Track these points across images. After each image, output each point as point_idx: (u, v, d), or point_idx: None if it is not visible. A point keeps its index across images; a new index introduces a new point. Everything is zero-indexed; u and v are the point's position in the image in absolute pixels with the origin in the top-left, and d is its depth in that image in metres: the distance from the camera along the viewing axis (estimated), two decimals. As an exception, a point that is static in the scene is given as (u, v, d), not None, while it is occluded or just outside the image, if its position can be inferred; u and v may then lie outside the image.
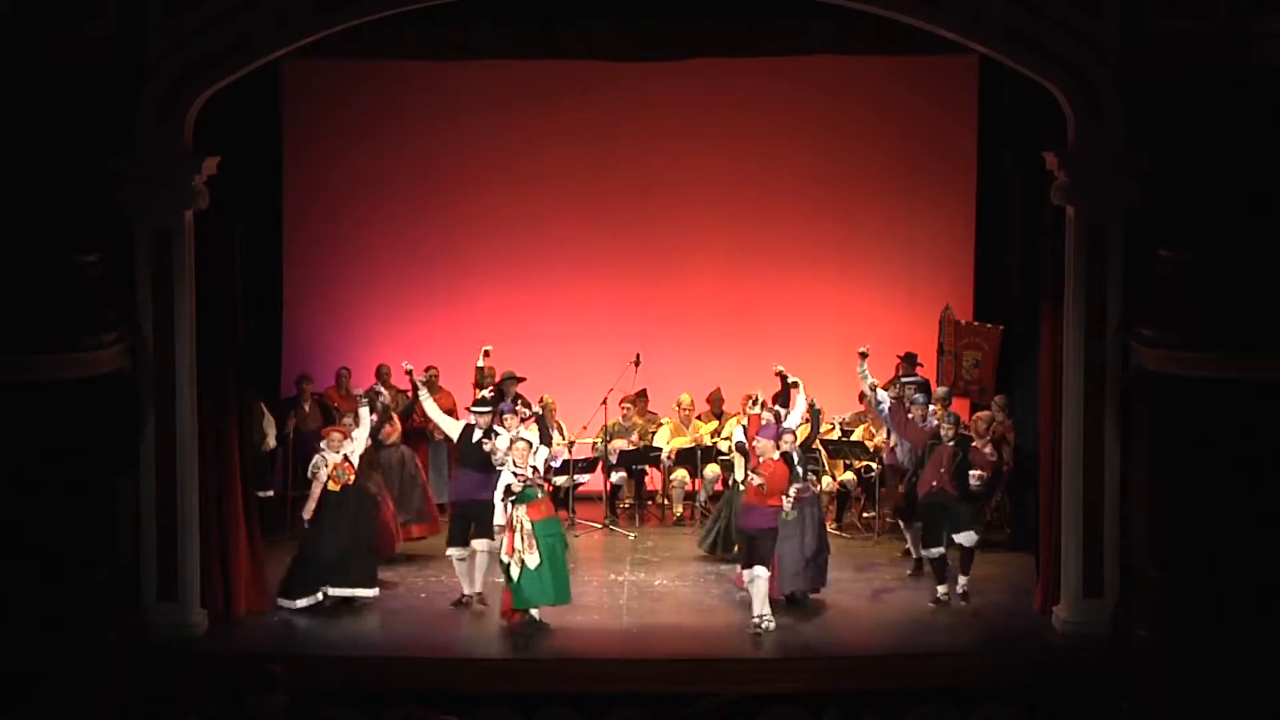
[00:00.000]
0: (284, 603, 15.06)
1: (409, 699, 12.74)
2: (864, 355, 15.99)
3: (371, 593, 15.21)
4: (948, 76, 17.81)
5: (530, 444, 14.83)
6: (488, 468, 15.12)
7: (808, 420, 15.57)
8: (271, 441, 17.10)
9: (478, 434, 15.25)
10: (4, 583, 13.53)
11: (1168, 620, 13.72)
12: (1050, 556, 14.78)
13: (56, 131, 13.95)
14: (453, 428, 15.52)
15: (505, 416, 15.39)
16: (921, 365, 17.67)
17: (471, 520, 15.21)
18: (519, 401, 16.84)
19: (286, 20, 14.13)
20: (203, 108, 14.26)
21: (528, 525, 14.50)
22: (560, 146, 18.40)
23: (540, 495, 14.67)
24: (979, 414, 16.83)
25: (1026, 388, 16.41)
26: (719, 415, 18.04)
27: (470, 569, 15.18)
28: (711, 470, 17.62)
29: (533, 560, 14.43)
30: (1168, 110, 14.02)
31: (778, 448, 14.70)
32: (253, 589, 15.08)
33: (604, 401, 17.74)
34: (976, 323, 17.79)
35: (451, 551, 15.29)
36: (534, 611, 14.65)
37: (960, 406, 17.44)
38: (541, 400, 17.42)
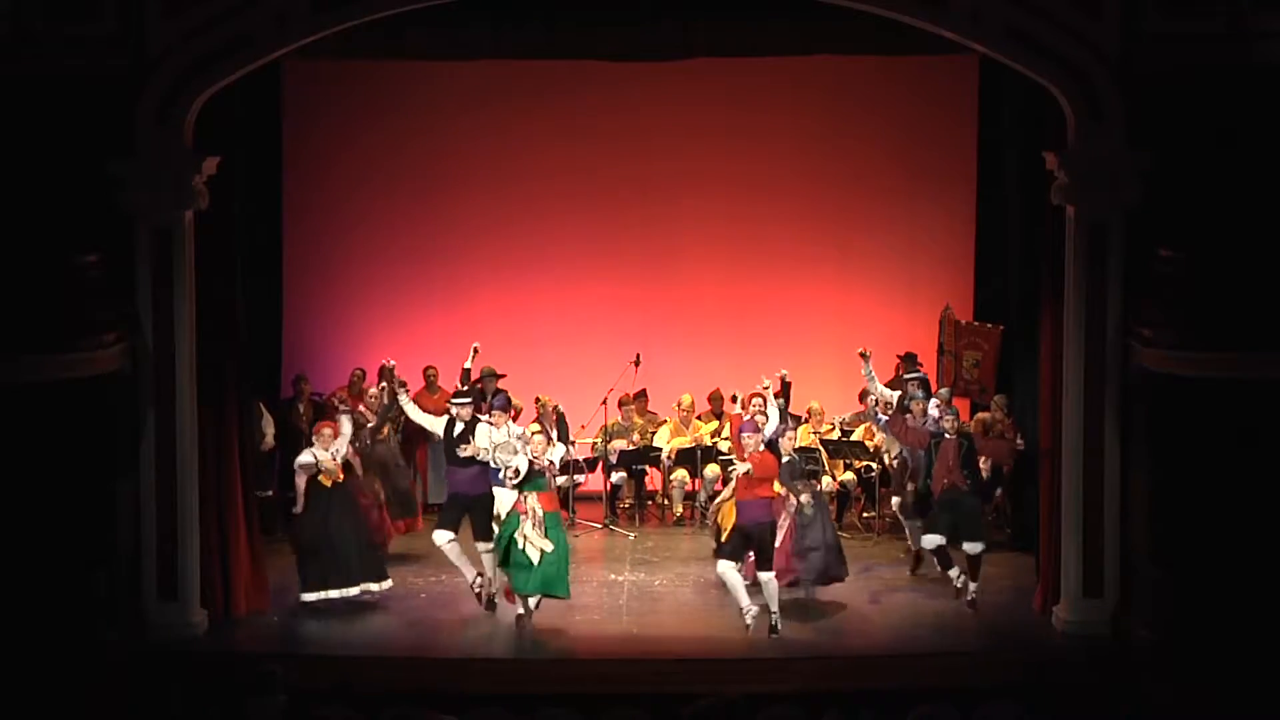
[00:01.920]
0: (306, 596, 15.09)
1: (408, 699, 12.72)
2: (866, 357, 16.00)
3: (385, 585, 15.23)
4: (948, 76, 17.82)
5: (549, 437, 14.83)
6: (476, 461, 15.10)
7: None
8: (270, 441, 17.11)
9: (459, 428, 15.18)
10: (4, 583, 13.53)
11: (1168, 620, 13.72)
12: (1050, 556, 14.79)
13: (56, 132, 13.94)
14: (437, 425, 15.39)
15: (495, 412, 15.34)
16: (921, 365, 17.67)
17: (467, 512, 15.15)
18: (538, 404, 17.01)
19: (286, 20, 14.13)
20: (203, 108, 14.26)
21: (540, 513, 14.53)
22: (560, 146, 18.40)
23: (551, 486, 14.64)
24: (979, 414, 16.87)
25: (1026, 388, 16.41)
26: (719, 415, 18.03)
27: (461, 555, 15.08)
28: (711, 470, 17.61)
29: (547, 545, 14.45)
30: (1168, 110, 14.02)
31: (762, 440, 14.69)
32: (253, 589, 15.08)
33: (604, 401, 17.75)
34: (976, 323, 17.80)
35: (439, 534, 15.07)
36: (531, 601, 14.63)
37: (960, 406, 17.43)
38: (538, 400, 17.42)
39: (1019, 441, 15.94)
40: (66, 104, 13.95)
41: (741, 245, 18.61)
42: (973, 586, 15.05)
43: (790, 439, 15.07)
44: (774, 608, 14.45)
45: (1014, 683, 13.12)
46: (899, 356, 17.68)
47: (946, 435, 15.18)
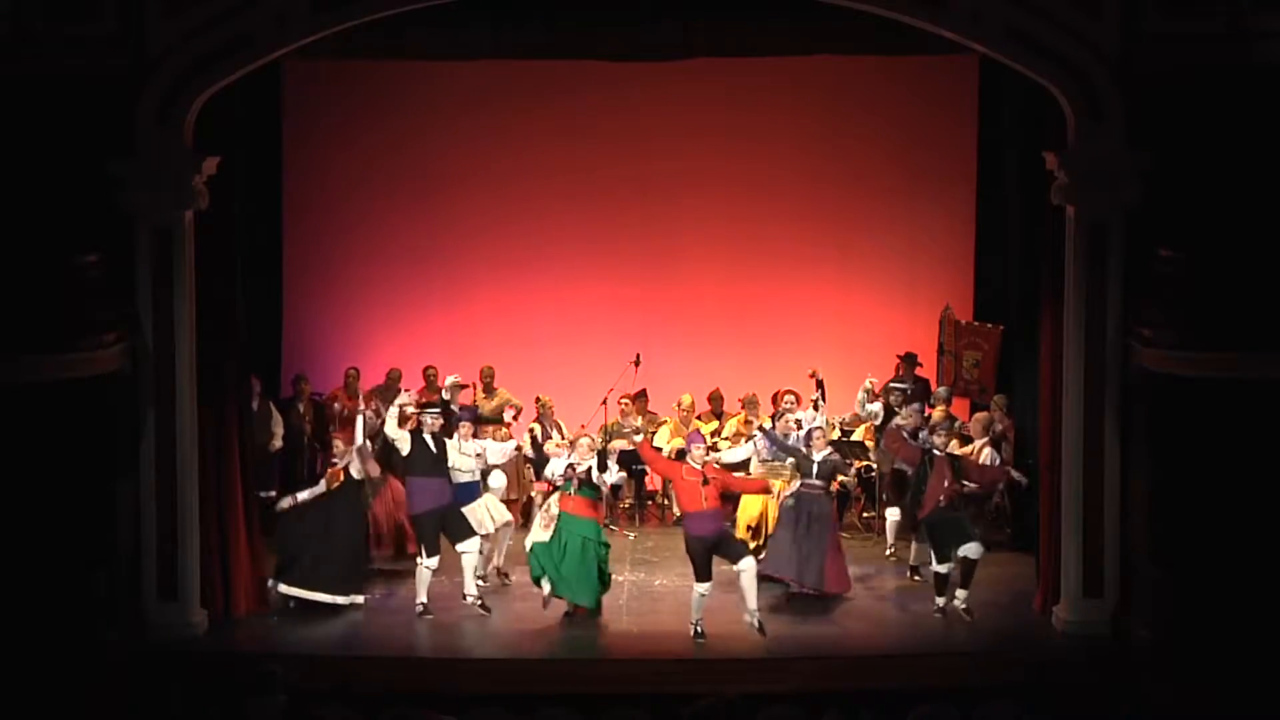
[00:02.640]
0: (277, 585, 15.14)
1: (407, 699, 12.73)
2: (869, 392, 16.05)
3: (330, 598, 15.12)
4: (948, 76, 17.82)
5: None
6: (442, 471, 15.08)
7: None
8: (278, 442, 17.08)
9: (430, 439, 15.12)
10: (4, 583, 13.53)
11: (1168, 620, 13.73)
12: (1050, 557, 14.79)
13: (56, 132, 13.95)
14: (404, 442, 15.21)
15: (461, 424, 15.35)
16: (921, 365, 17.69)
17: (442, 528, 15.08)
18: (539, 404, 17.17)
19: (286, 20, 14.14)
20: (203, 108, 14.27)
21: (554, 510, 14.74)
22: (560, 146, 18.40)
23: (577, 491, 14.79)
24: (978, 414, 16.87)
25: (1026, 388, 16.41)
26: (719, 415, 18.04)
27: (430, 579, 15.02)
28: (711, 470, 17.59)
29: (543, 536, 14.65)
30: (1168, 110, 14.03)
31: (707, 453, 14.79)
32: (253, 589, 15.09)
33: (604, 401, 17.74)
34: (976, 323, 17.81)
35: (432, 561, 15.04)
36: (545, 587, 14.80)
37: (960, 406, 17.48)
38: (538, 400, 17.41)
39: (1017, 475, 15.93)
40: (66, 104, 13.96)
41: (741, 245, 18.60)
42: (962, 594, 14.97)
43: (822, 435, 15.20)
44: (752, 605, 14.40)
45: (1014, 683, 13.13)
46: (899, 356, 17.68)
47: (937, 452, 15.12)
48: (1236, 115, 13.94)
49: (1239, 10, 13.92)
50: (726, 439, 17.74)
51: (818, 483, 15.22)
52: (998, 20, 14.11)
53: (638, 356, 17.47)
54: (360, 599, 15.22)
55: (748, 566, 14.45)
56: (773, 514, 15.67)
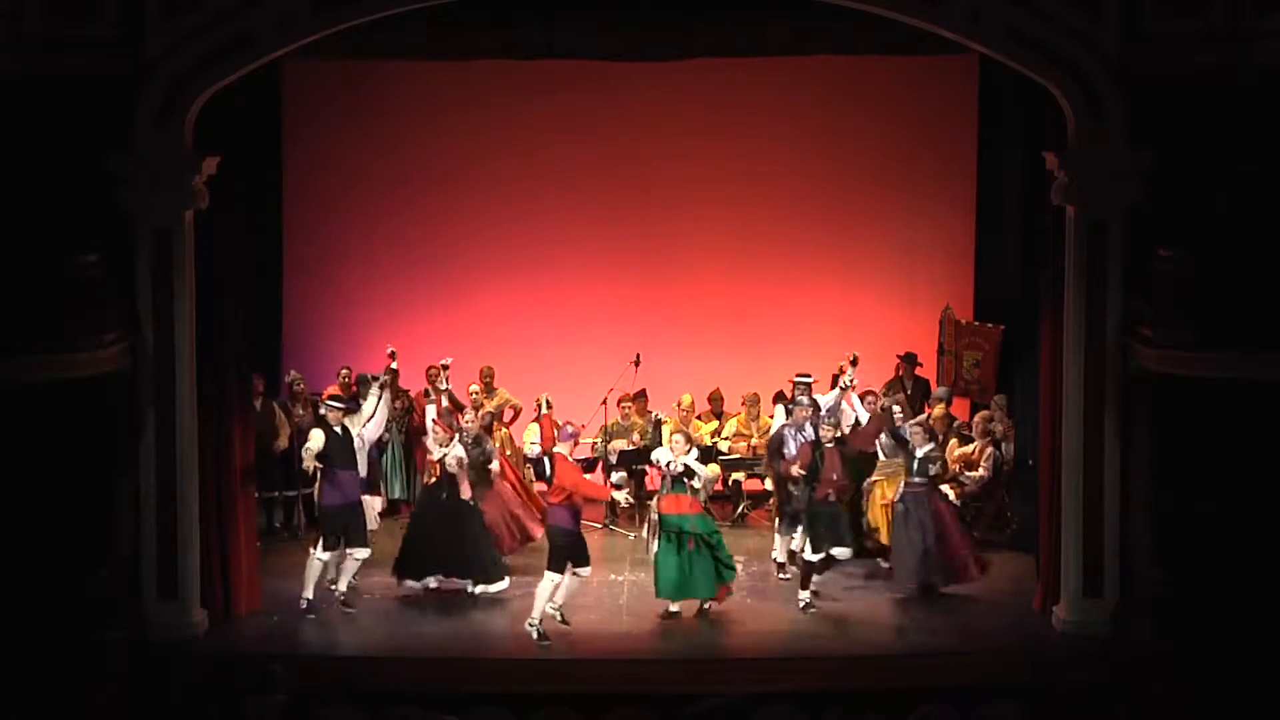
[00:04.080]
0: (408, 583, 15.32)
1: (409, 699, 12.74)
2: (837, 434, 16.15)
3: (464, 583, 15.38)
4: (948, 76, 17.82)
5: (687, 438, 15.07)
6: (354, 462, 15.06)
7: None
8: (283, 442, 17.06)
9: (340, 431, 15.10)
10: (4, 583, 13.54)
11: (1168, 620, 13.73)
12: (1050, 556, 14.79)
13: (56, 131, 13.95)
14: (317, 438, 15.10)
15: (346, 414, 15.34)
16: (921, 365, 17.69)
17: (346, 522, 15.03)
18: (539, 404, 17.05)
19: (286, 20, 14.14)
20: (203, 108, 14.27)
21: (654, 516, 14.81)
22: (561, 146, 18.40)
23: (671, 489, 14.85)
24: (979, 414, 16.88)
25: (1026, 388, 16.41)
26: (719, 415, 18.04)
27: (320, 572, 15.00)
28: (712, 470, 17.60)
29: (652, 548, 14.75)
30: (1168, 110, 14.03)
31: (572, 450, 14.83)
32: (253, 589, 15.09)
33: (604, 401, 17.75)
34: (976, 323, 17.81)
35: (326, 555, 14.99)
36: (673, 606, 14.83)
37: (960, 406, 17.48)
38: (538, 400, 17.41)
39: (1007, 459, 16.06)
40: (66, 104, 13.96)
41: (741, 245, 18.59)
42: (805, 593, 15.08)
43: (919, 432, 15.41)
44: (535, 614, 14.38)
45: (1014, 683, 13.14)
46: (899, 356, 17.69)
47: (826, 445, 15.10)
48: (1236, 115, 13.94)
49: (1239, 10, 13.92)
50: (727, 439, 17.76)
51: (918, 480, 15.29)
52: (998, 20, 14.11)
53: (638, 356, 17.50)
54: (494, 587, 15.33)
55: (562, 581, 14.49)
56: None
